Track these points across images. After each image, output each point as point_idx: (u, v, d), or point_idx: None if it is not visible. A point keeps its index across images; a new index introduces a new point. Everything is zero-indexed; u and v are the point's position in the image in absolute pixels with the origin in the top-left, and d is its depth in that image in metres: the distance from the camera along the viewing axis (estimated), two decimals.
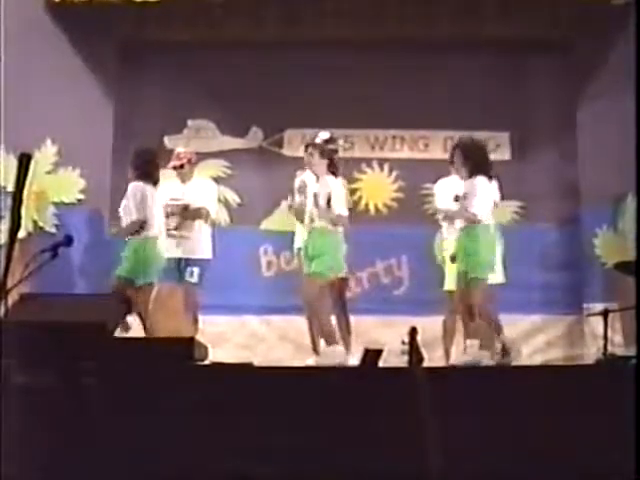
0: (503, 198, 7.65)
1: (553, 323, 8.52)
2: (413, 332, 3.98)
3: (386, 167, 8.92)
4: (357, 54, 8.52)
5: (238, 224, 8.72)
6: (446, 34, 8.46)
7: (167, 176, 7.79)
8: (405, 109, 8.65)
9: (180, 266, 7.37)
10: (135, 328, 7.00)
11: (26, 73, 7.90)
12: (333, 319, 7.02)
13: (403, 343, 3.97)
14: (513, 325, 8.16)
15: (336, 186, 6.86)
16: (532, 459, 4.41)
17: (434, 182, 7.70)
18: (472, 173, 6.68)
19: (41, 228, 8.01)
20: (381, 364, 5.31)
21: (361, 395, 4.51)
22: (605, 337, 6.91)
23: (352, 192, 8.17)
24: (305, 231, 6.98)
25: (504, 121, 8.85)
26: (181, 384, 4.52)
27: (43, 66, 8.10)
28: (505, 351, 6.50)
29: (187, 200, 7.46)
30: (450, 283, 7.15)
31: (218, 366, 5.35)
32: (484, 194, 6.64)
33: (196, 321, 7.41)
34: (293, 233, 7.38)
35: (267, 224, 8.73)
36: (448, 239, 7.19)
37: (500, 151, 8.86)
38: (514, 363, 6.50)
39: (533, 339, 8.43)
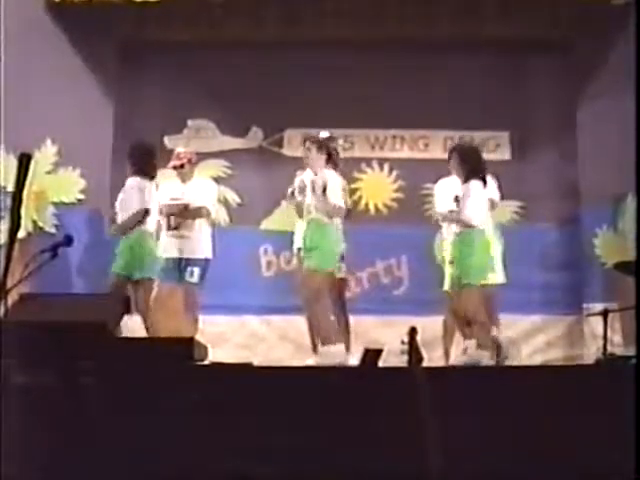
0: (503, 198, 7.68)
1: (553, 323, 8.53)
2: (413, 332, 3.98)
3: (386, 167, 8.92)
4: (357, 54, 8.52)
5: (238, 224, 8.72)
6: (446, 34, 8.46)
7: (167, 176, 7.81)
8: (405, 109, 8.65)
9: (180, 266, 7.37)
10: (133, 327, 7.03)
11: (26, 73, 7.90)
12: (332, 319, 7.03)
13: (403, 343, 3.97)
14: (513, 325, 8.20)
15: (333, 178, 6.84)
16: (532, 459, 4.41)
17: (434, 182, 7.71)
18: (467, 177, 6.71)
19: (41, 228, 8.02)
20: (381, 364, 5.31)
21: (361, 395, 4.51)
22: (605, 337, 6.91)
23: (352, 192, 8.17)
24: (304, 224, 6.98)
25: (504, 121, 8.85)
26: (181, 384, 4.52)
27: (43, 66, 8.10)
28: (498, 349, 6.49)
29: (187, 200, 7.46)
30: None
31: (218, 366, 5.34)
32: (478, 199, 6.66)
33: (196, 321, 7.41)
34: (293, 233, 7.38)
35: (267, 224, 8.74)
36: (448, 239, 7.20)
37: (500, 151, 8.87)
38: (509, 361, 6.50)
39: (533, 339, 8.44)
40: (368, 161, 8.93)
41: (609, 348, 6.93)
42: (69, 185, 8.21)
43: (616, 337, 7.54)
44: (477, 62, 8.69)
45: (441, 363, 7.02)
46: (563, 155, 8.74)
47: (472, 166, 6.76)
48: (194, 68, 8.76)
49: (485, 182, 6.77)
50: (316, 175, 6.88)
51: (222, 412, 4.41)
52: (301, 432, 4.39)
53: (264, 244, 8.71)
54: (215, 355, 5.76)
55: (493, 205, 7.43)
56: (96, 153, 8.19)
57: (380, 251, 8.65)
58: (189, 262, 7.36)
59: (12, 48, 7.72)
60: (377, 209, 8.86)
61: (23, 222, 3.13)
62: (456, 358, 6.83)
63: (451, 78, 8.61)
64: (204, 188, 7.60)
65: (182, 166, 7.55)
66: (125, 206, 7.26)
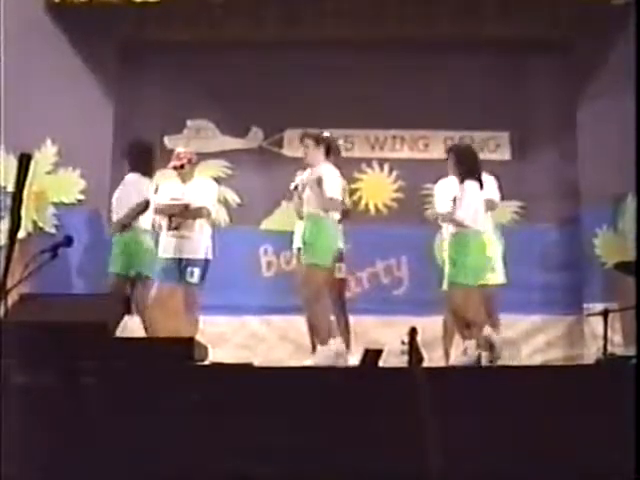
0: (503, 198, 7.68)
1: (553, 323, 8.52)
2: (413, 332, 3.99)
3: (386, 167, 8.92)
4: (357, 54, 8.52)
5: (238, 224, 8.72)
6: (446, 34, 8.45)
7: (167, 176, 7.82)
8: (405, 109, 8.64)
9: (180, 266, 7.36)
10: (132, 328, 7.03)
11: (26, 73, 7.89)
12: (331, 319, 7.03)
13: (403, 343, 3.97)
14: (513, 325, 8.20)
15: (329, 171, 6.84)
16: (532, 459, 4.41)
17: (434, 182, 7.71)
18: (463, 178, 6.73)
19: (41, 228, 8.01)
20: (381, 364, 5.31)
21: (361, 395, 4.51)
22: (605, 337, 6.91)
23: (352, 192, 8.19)
24: (302, 221, 6.99)
25: (504, 121, 8.85)
26: (181, 384, 4.52)
27: (43, 66, 8.10)
28: (491, 349, 6.48)
29: (188, 200, 7.46)
30: None
31: (218, 366, 5.35)
32: (473, 200, 6.67)
33: (196, 321, 7.41)
34: (293, 233, 7.37)
35: (267, 224, 8.73)
36: (447, 240, 7.20)
37: (500, 151, 8.87)
38: (501, 362, 6.49)
39: (533, 339, 8.44)
40: (368, 161, 8.92)
41: (609, 348, 6.93)
42: (69, 185, 8.21)
43: (616, 337, 7.55)
44: (477, 62, 8.68)
45: (441, 363, 7.02)
46: (563, 155, 8.74)
47: (468, 167, 6.78)
48: (194, 68, 8.76)
49: (481, 183, 6.78)
50: (316, 169, 6.89)
51: (222, 412, 4.41)
52: (301, 432, 4.39)
53: (264, 244, 8.71)
54: (215, 355, 5.77)
55: (493, 205, 7.44)
56: (96, 153, 8.19)
57: (380, 251, 8.65)
58: (189, 262, 7.35)
59: (12, 48, 7.72)
60: (377, 209, 8.86)
61: (23, 222, 3.13)
62: (456, 359, 6.83)
63: (451, 78, 8.60)
64: (204, 188, 7.60)
65: (182, 166, 7.55)
66: (122, 202, 7.29)
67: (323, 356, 6.50)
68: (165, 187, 7.63)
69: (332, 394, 4.50)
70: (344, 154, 8.14)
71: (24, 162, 2.94)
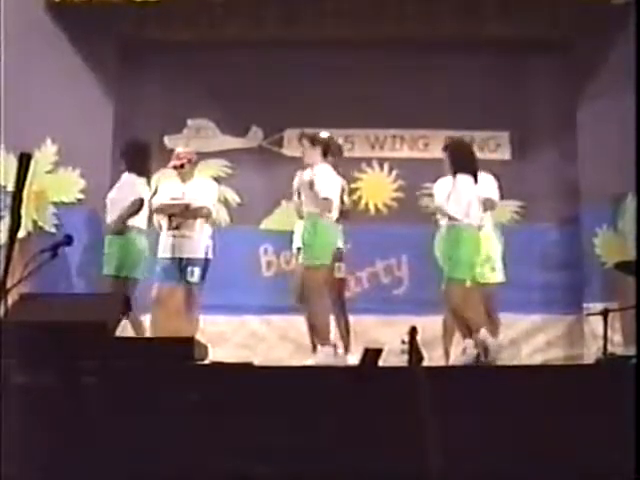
0: (503, 198, 7.68)
1: (553, 323, 8.52)
2: (413, 331, 3.98)
3: (386, 167, 8.93)
4: (357, 54, 8.52)
5: (238, 224, 8.72)
6: (446, 34, 8.45)
7: (167, 176, 7.83)
8: (405, 109, 8.65)
9: (181, 266, 7.36)
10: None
11: (26, 73, 7.89)
12: (331, 318, 7.04)
13: (403, 342, 3.96)
14: (513, 325, 8.21)
15: (324, 171, 6.85)
16: (532, 459, 4.41)
17: (434, 182, 7.68)
18: (455, 172, 6.74)
19: (41, 228, 8.01)
20: (381, 363, 5.31)
21: (361, 395, 4.51)
22: (605, 337, 6.91)
23: (352, 192, 8.18)
24: (301, 222, 7.01)
25: (504, 121, 8.85)
26: (181, 384, 4.52)
27: (43, 66, 8.09)
28: (485, 351, 6.48)
29: (188, 200, 7.46)
30: None
31: (218, 366, 5.34)
32: (465, 194, 6.67)
33: (196, 321, 7.41)
34: (293, 233, 7.37)
35: (267, 224, 8.74)
36: (442, 234, 7.20)
37: (500, 151, 8.88)
38: (501, 361, 6.49)
39: (533, 339, 8.44)
40: (368, 161, 8.93)
41: (609, 348, 6.92)
42: (69, 185, 8.21)
43: (616, 337, 7.55)
44: (477, 62, 8.69)
45: (441, 363, 7.02)
46: (563, 155, 8.74)
47: (460, 161, 6.79)
48: (194, 67, 8.76)
49: (476, 178, 6.77)
50: (315, 168, 6.90)
51: (222, 412, 4.41)
52: (301, 432, 4.39)
53: (264, 244, 8.71)
54: (215, 355, 5.76)
55: (493, 205, 7.44)
56: (96, 153, 8.18)
57: (380, 251, 8.65)
58: (189, 262, 7.35)
59: (12, 48, 7.71)
60: (377, 209, 8.86)
61: (23, 222, 3.13)
62: (456, 358, 6.84)
63: (451, 78, 8.61)
64: (205, 188, 7.61)
65: (182, 166, 7.55)
66: (116, 203, 7.31)
67: (323, 356, 6.51)
68: (165, 187, 7.63)
69: (332, 394, 4.50)
70: (344, 154, 8.14)
71: (24, 161, 2.94)
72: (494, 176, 7.55)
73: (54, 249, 4.72)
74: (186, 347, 4.83)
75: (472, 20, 8.36)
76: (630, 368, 5.01)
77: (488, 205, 7.32)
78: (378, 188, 8.88)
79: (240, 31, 8.47)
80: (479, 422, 4.40)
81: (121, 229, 7.24)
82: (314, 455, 4.37)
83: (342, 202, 7.29)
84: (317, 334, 6.74)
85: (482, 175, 7.37)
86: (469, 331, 6.60)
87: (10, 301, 4.41)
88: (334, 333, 7.11)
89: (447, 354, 7.25)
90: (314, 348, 6.86)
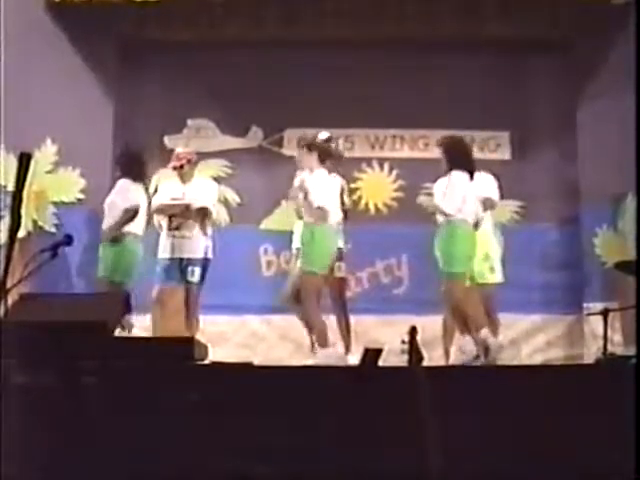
0: (503, 198, 7.68)
1: (553, 323, 8.52)
2: (413, 331, 3.98)
3: (386, 166, 8.93)
4: (357, 54, 8.52)
5: (238, 224, 8.72)
6: (446, 34, 8.46)
7: (168, 176, 7.83)
8: (405, 109, 8.65)
9: (181, 266, 7.37)
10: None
11: (26, 73, 7.89)
12: (331, 318, 7.04)
13: (403, 342, 3.95)
14: (513, 325, 8.21)
15: (318, 179, 6.85)
16: (532, 459, 4.41)
17: (434, 181, 7.67)
18: (449, 169, 6.75)
19: (41, 228, 8.01)
20: (381, 363, 5.31)
21: (361, 394, 4.51)
22: (605, 336, 6.91)
23: (352, 192, 8.18)
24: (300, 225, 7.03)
25: (504, 121, 8.85)
26: (181, 384, 4.52)
27: (43, 66, 8.09)
28: (486, 351, 6.48)
29: (188, 200, 7.46)
30: None
31: (218, 365, 5.34)
32: (458, 190, 6.67)
33: (197, 321, 7.41)
34: (293, 232, 7.37)
35: (267, 224, 8.73)
36: (438, 231, 7.20)
37: (500, 151, 8.88)
38: (501, 361, 6.49)
39: (533, 339, 8.44)
40: (368, 161, 8.93)
41: (609, 348, 6.92)
42: (69, 185, 8.21)
43: (616, 337, 7.55)
44: (477, 62, 8.69)
45: (441, 363, 7.01)
46: (563, 155, 8.74)
47: (455, 158, 6.80)
48: (194, 67, 8.76)
49: (472, 174, 6.78)
50: (310, 175, 6.92)
51: (222, 412, 4.40)
52: (301, 432, 4.39)
53: (264, 244, 8.71)
54: (215, 354, 5.76)
55: (492, 205, 7.45)
56: (96, 152, 8.18)
57: (380, 251, 8.65)
58: (190, 262, 7.36)
59: (12, 48, 7.71)
60: (377, 209, 8.86)
61: (23, 221, 3.13)
62: (455, 357, 6.84)
63: (451, 78, 8.61)
64: (205, 188, 7.61)
65: (181, 167, 7.55)
66: (112, 209, 7.32)
67: (323, 357, 6.52)
68: (165, 187, 7.64)
69: (332, 393, 4.50)
70: (344, 154, 8.15)
71: (24, 161, 2.94)
72: (494, 176, 7.55)
73: (54, 249, 4.71)
74: (186, 347, 4.83)
75: (472, 20, 8.36)
76: (630, 368, 5.01)
77: (488, 205, 7.32)
78: (378, 188, 8.88)
79: (240, 31, 8.47)
80: (479, 422, 4.40)
81: (114, 237, 7.25)
82: (314, 455, 4.37)
83: (342, 202, 7.30)
84: (316, 338, 6.75)
85: (482, 175, 7.37)
86: (468, 329, 6.61)
87: (10, 301, 4.41)
88: (335, 332, 7.12)
89: (447, 354, 7.24)
90: (312, 346, 6.85)
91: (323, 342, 6.69)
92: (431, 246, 7.80)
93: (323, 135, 7.47)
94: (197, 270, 7.33)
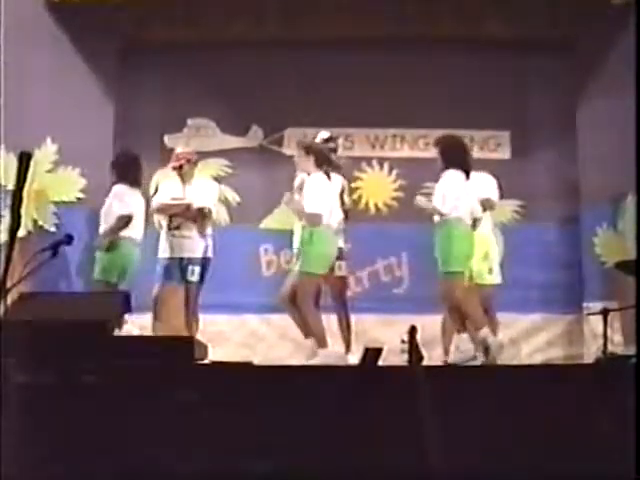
0: (503, 197, 7.69)
1: (553, 322, 8.53)
2: (413, 331, 3.99)
3: (386, 166, 8.93)
4: (357, 53, 8.53)
5: (238, 223, 8.72)
6: (446, 33, 8.46)
7: (168, 176, 7.83)
8: (405, 108, 8.65)
9: (181, 265, 7.37)
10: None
11: (26, 72, 7.89)
12: (331, 318, 7.05)
13: (403, 342, 3.96)
14: (513, 324, 8.21)
15: (314, 183, 6.85)
16: (532, 458, 4.41)
17: (434, 181, 7.68)
18: (444, 168, 6.76)
19: (41, 227, 8.01)
20: (381, 363, 5.31)
21: (361, 394, 4.51)
22: (605, 336, 6.91)
23: (352, 191, 8.19)
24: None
25: (504, 120, 8.85)
26: (181, 383, 4.52)
27: (43, 66, 8.09)
28: (486, 351, 6.48)
29: (188, 200, 7.46)
30: None
31: (218, 365, 5.34)
32: (452, 189, 6.68)
33: (197, 320, 7.42)
34: (293, 232, 7.37)
35: (267, 223, 8.73)
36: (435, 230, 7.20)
37: (500, 150, 8.88)
38: (501, 361, 6.49)
39: (533, 338, 8.45)
40: (368, 160, 8.93)
41: (609, 347, 6.92)
42: (69, 184, 8.21)
43: (616, 336, 7.54)
44: (477, 61, 8.68)
45: (441, 362, 7.01)
46: (563, 154, 8.74)
47: (450, 157, 6.81)
48: (194, 67, 8.76)
49: (467, 173, 6.78)
50: (306, 178, 6.93)
51: (222, 411, 4.41)
52: (301, 431, 4.39)
53: (264, 243, 8.71)
54: (215, 354, 5.76)
55: (492, 205, 7.45)
56: (96, 151, 8.18)
57: (380, 250, 8.65)
58: (190, 261, 7.36)
59: (12, 48, 7.71)
60: (377, 208, 8.86)
61: (23, 221, 3.13)
62: (452, 356, 6.84)
63: (451, 77, 8.61)
64: (205, 188, 7.61)
65: (181, 167, 7.56)
66: (107, 215, 7.32)
67: (324, 356, 6.52)
68: (165, 187, 7.64)
69: (332, 393, 4.50)
70: (344, 153, 8.15)
71: (24, 160, 2.94)
72: (494, 176, 7.56)
73: (54, 248, 4.71)
74: (186, 346, 4.83)
75: (472, 19, 8.37)
76: (630, 367, 5.00)
77: (487, 205, 7.33)
78: (378, 187, 8.88)
79: (240, 31, 8.48)
80: (479, 421, 4.40)
81: (108, 244, 7.25)
82: (314, 454, 4.37)
83: (342, 202, 7.31)
84: (314, 339, 6.75)
85: (481, 175, 7.39)
86: (466, 328, 6.62)
87: (10, 300, 4.42)
88: (335, 332, 7.12)
89: (447, 353, 7.24)
90: (306, 336, 6.85)
91: (322, 343, 6.69)
92: (431, 245, 7.81)
93: (324, 134, 7.48)
94: (197, 269, 7.34)
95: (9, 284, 3.38)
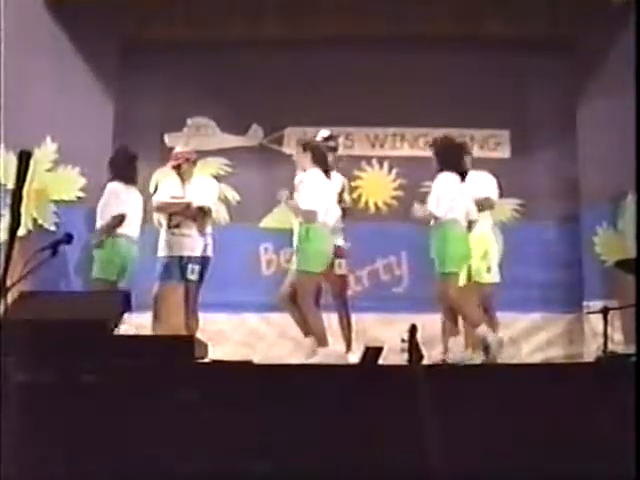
0: (502, 196, 7.69)
1: (553, 321, 8.52)
2: (413, 330, 3.99)
3: (386, 165, 8.93)
4: (357, 52, 8.52)
5: (238, 222, 8.72)
6: (446, 32, 8.45)
7: (168, 174, 7.83)
8: (405, 107, 8.65)
9: (181, 264, 7.37)
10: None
11: (26, 71, 7.88)
12: (332, 317, 7.05)
13: (403, 341, 3.96)
14: (513, 323, 8.21)
15: (310, 180, 6.86)
16: (532, 457, 4.41)
17: (434, 180, 7.70)
18: (439, 170, 6.78)
19: (41, 226, 8.00)
20: (381, 362, 5.31)
21: (361, 393, 4.51)
22: (605, 335, 6.91)
23: (352, 190, 8.19)
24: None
25: (504, 119, 8.85)
26: (181, 382, 4.52)
27: (43, 65, 8.09)
28: (486, 350, 6.48)
29: (188, 198, 7.46)
30: None
31: (218, 364, 5.34)
32: (446, 191, 6.70)
33: (196, 319, 7.42)
34: (292, 231, 7.37)
35: (267, 222, 8.73)
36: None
37: (500, 149, 8.87)
38: (501, 360, 6.50)
39: (533, 337, 8.45)
40: (368, 159, 8.93)
41: (609, 346, 6.92)
42: (69, 183, 8.20)
43: (616, 335, 7.53)
44: (477, 60, 8.68)
45: (439, 361, 7.01)
46: (563, 153, 8.74)
47: (444, 159, 6.83)
48: (194, 66, 8.75)
49: (462, 175, 6.80)
50: (303, 175, 6.95)
51: (222, 410, 4.41)
52: (301, 430, 4.39)
53: (264, 242, 8.71)
54: (215, 353, 5.76)
55: (491, 204, 7.45)
56: (96, 150, 8.18)
57: (380, 249, 8.65)
58: (190, 260, 7.36)
59: (12, 47, 7.70)
60: (377, 207, 8.86)
61: (23, 220, 3.13)
62: (452, 357, 6.86)
63: (451, 76, 8.60)
64: (205, 187, 7.62)
65: (179, 166, 7.56)
66: (102, 212, 7.33)
67: (323, 357, 6.53)
68: (165, 185, 7.64)
69: (332, 392, 4.50)
70: (344, 152, 8.16)
71: (24, 159, 2.94)
72: (493, 175, 7.56)
73: (54, 247, 4.71)
74: (186, 345, 4.83)
75: (472, 19, 8.36)
76: (630, 366, 5.00)
77: (486, 204, 7.33)
78: (378, 186, 8.88)
79: (240, 30, 8.47)
80: (479, 420, 4.40)
81: (100, 242, 7.27)
82: (314, 452, 4.37)
83: (342, 200, 7.32)
84: (314, 338, 6.75)
85: (481, 174, 7.39)
86: (458, 330, 6.67)
87: (10, 299, 4.41)
88: (335, 331, 7.13)
89: (446, 352, 7.24)
90: (306, 335, 6.86)
91: (322, 341, 6.69)
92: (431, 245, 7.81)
93: (324, 133, 7.48)
94: (197, 268, 7.34)
95: (9, 283, 3.37)
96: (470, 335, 6.75)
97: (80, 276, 7.95)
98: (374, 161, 8.92)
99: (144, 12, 8.40)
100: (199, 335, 6.49)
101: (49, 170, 8.11)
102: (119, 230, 7.29)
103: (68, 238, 4.85)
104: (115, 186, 7.37)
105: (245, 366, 5.23)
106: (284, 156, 8.73)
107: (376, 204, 8.85)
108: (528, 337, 8.40)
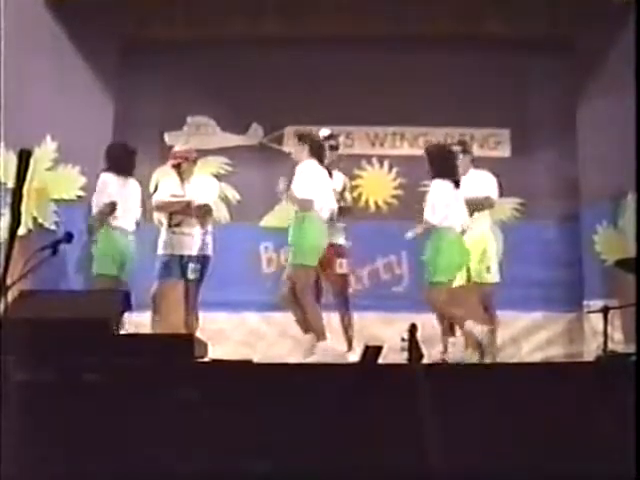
0: (503, 195, 7.69)
1: (553, 320, 8.52)
2: (413, 329, 3.99)
3: (386, 164, 8.93)
4: (357, 51, 8.52)
5: (238, 221, 8.72)
6: (446, 32, 8.45)
7: (167, 173, 7.83)
8: (405, 106, 8.65)
9: (181, 263, 7.37)
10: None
11: (26, 70, 7.87)
12: (332, 315, 7.06)
13: (403, 340, 3.96)
14: (513, 322, 8.21)
15: (306, 170, 6.89)
16: (531, 457, 4.41)
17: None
18: (433, 177, 6.82)
19: (41, 225, 7.99)
20: (381, 361, 5.31)
21: (361, 392, 4.51)
22: (605, 334, 6.91)
23: (352, 189, 8.19)
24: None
25: (504, 118, 8.85)
26: (181, 381, 4.52)
27: (43, 64, 8.08)
28: (480, 348, 6.51)
29: (189, 197, 7.47)
30: None
31: (218, 363, 5.34)
32: (441, 199, 6.75)
33: (196, 318, 7.42)
34: None
35: (267, 221, 8.73)
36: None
37: (501, 148, 8.87)
38: (501, 359, 6.52)
39: (533, 336, 8.45)
40: (368, 158, 8.93)
41: (609, 345, 6.92)
42: (69, 182, 8.20)
43: (616, 334, 7.53)
44: (477, 59, 8.68)
45: (439, 360, 7.02)
46: (563, 152, 8.74)
47: (438, 166, 6.90)
48: (194, 65, 8.75)
49: (456, 182, 6.84)
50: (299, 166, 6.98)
51: (222, 409, 4.41)
52: (301, 429, 4.39)
53: (264, 241, 8.71)
54: (215, 352, 5.76)
55: (491, 203, 7.46)
56: (96, 149, 8.16)
57: (380, 248, 8.65)
58: (190, 259, 7.37)
59: (12, 47, 7.69)
60: (377, 206, 8.86)
61: (23, 219, 3.13)
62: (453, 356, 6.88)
63: (451, 76, 8.60)
64: (205, 186, 7.63)
65: (179, 165, 7.57)
66: (95, 201, 7.35)
67: (321, 351, 6.54)
68: (165, 184, 7.65)
69: (332, 391, 4.50)
70: (344, 151, 8.16)
71: (24, 158, 2.94)
72: (494, 174, 7.56)
73: (54, 246, 4.71)
74: (186, 344, 4.83)
75: (472, 18, 8.36)
76: (630, 366, 5.00)
77: (486, 203, 7.34)
78: (378, 185, 8.88)
79: (240, 30, 8.47)
80: (479, 419, 4.40)
81: (92, 229, 7.29)
82: (314, 452, 4.37)
83: (342, 199, 7.32)
84: (313, 331, 6.77)
85: (480, 173, 7.41)
86: (453, 332, 6.70)
87: (10, 298, 4.41)
88: (336, 330, 7.14)
89: (446, 351, 7.25)
90: (305, 332, 6.86)
91: (321, 335, 6.70)
92: None
93: (325, 132, 7.48)
94: (197, 267, 7.34)
95: (9, 282, 3.37)
96: (470, 335, 6.76)
97: (81, 274, 7.93)
98: (374, 160, 8.93)
99: (144, 12, 8.40)
100: (199, 334, 6.49)
101: (49, 169, 8.11)
102: (113, 222, 7.28)
103: (68, 237, 4.85)
104: (106, 176, 7.39)
105: (245, 365, 5.23)
106: (284, 155, 8.71)
107: (376, 203, 8.85)
108: (528, 336, 8.40)
